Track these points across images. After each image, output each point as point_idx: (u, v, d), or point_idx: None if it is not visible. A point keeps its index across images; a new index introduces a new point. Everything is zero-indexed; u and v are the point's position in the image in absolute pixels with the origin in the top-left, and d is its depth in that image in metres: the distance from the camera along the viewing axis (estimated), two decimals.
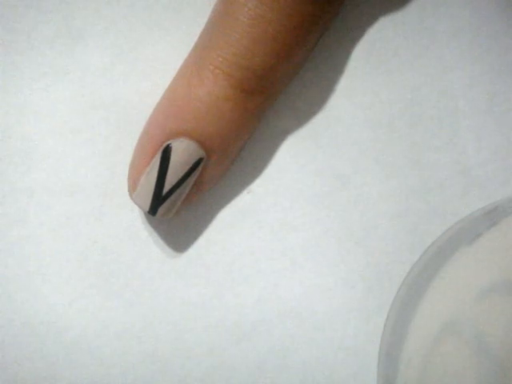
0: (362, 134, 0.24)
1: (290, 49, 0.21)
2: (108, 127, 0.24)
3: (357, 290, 0.24)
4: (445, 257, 0.21)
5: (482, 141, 0.24)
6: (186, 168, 0.22)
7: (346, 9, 0.24)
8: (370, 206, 0.24)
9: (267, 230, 0.24)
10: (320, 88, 0.24)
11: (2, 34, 0.23)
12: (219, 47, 0.21)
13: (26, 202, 0.23)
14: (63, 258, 0.23)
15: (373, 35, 0.24)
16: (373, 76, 0.24)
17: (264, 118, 0.24)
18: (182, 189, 0.22)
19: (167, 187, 0.22)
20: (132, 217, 0.24)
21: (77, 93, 0.24)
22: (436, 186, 0.24)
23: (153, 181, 0.22)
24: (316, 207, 0.24)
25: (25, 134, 0.23)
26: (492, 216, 0.21)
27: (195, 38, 0.22)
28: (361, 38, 0.24)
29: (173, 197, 0.22)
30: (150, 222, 0.24)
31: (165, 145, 0.21)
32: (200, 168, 0.22)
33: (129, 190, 0.22)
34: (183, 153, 0.21)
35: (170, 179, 0.22)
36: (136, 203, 0.22)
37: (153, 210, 0.22)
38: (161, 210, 0.22)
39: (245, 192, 0.24)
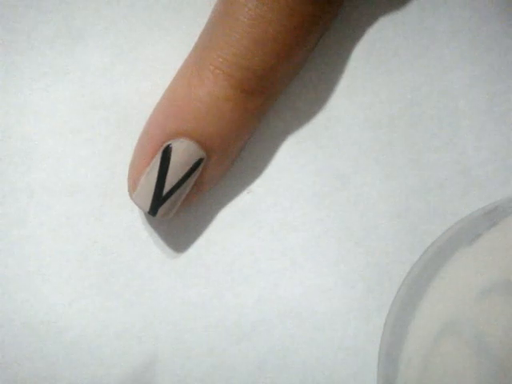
0: (362, 134, 0.24)
1: (290, 49, 0.21)
2: (108, 127, 0.24)
3: (357, 290, 0.24)
4: (445, 257, 0.21)
5: (482, 141, 0.24)
6: (187, 168, 0.22)
7: (346, 9, 0.24)
8: (370, 206, 0.24)
9: (267, 230, 0.24)
10: (320, 88, 0.24)
11: (2, 34, 0.23)
12: (219, 47, 0.21)
13: (26, 202, 0.23)
14: (63, 258, 0.23)
15: (373, 35, 0.24)
16: (373, 76, 0.24)
17: (264, 118, 0.24)
18: (183, 189, 0.22)
19: (167, 187, 0.22)
20: (132, 217, 0.24)
21: (77, 93, 0.23)
22: (436, 186, 0.24)
23: (153, 181, 0.22)
24: (316, 207, 0.24)
25: (25, 134, 0.23)
26: (492, 216, 0.21)
27: (195, 38, 0.22)
28: (361, 38, 0.24)
29: (173, 197, 0.22)
30: (150, 223, 0.24)
31: (165, 145, 0.21)
32: (200, 168, 0.22)
33: (129, 190, 0.22)
34: (183, 153, 0.21)
35: (170, 179, 0.22)
36: (136, 203, 0.22)
37: (153, 211, 0.22)
38: (161, 210, 0.22)
39: (245, 192, 0.24)
